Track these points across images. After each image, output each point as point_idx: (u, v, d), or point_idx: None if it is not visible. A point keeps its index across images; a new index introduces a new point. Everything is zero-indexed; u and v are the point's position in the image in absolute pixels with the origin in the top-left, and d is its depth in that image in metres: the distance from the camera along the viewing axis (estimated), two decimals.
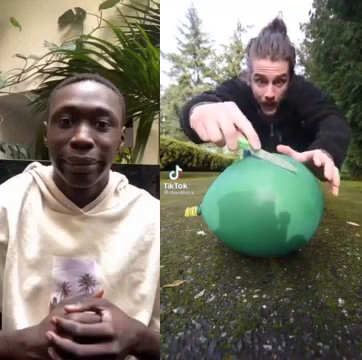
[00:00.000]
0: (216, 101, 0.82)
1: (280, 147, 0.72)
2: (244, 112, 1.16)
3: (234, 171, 0.75)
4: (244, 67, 1.23)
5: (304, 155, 0.73)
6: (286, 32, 1.07)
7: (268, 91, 1.07)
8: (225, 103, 0.68)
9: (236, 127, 0.62)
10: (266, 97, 1.09)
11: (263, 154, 0.66)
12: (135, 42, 1.52)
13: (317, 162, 0.70)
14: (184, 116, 0.87)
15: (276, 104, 1.13)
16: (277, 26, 1.06)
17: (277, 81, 1.06)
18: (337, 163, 0.80)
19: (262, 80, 1.07)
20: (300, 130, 1.31)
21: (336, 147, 0.85)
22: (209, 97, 0.85)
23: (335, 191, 0.70)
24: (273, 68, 1.03)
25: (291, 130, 1.30)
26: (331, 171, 0.69)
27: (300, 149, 0.77)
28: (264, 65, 1.03)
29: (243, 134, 0.63)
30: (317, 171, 0.73)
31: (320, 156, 0.71)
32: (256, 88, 1.11)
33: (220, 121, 0.62)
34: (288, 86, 1.11)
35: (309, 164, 0.73)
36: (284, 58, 1.02)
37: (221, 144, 0.63)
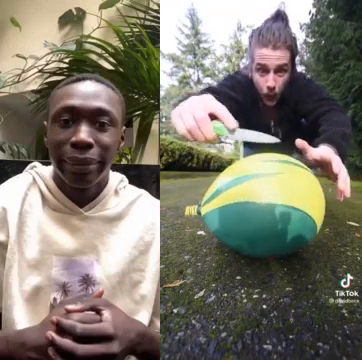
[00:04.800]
0: None
1: (298, 141, 0.71)
2: (247, 106, 1.16)
3: (234, 169, 0.75)
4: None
5: (319, 155, 0.72)
6: (288, 22, 1.07)
7: (269, 80, 1.07)
8: (201, 96, 0.68)
9: (212, 117, 0.62)
10: (267, 87, 1.09)
11: (239, 133, 0.64)
12: (135, 42, 1.52)
13: (336, 170, 0.69)
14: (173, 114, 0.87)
15: (277, 95, 1.13)
16: (279, 16, 1.06)
17: (278, 70, 1.06)
18: (342, 158, 0.80)
19: (263, 69, 1.07)
20: (299, 127, 1.32)
21: (342, 143, 0.85)
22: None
23: (341, 198, 0.70)
24: (274, 56, 1.03)
25: (291, 127, 1.30)
26: (345, 181, 0.69)
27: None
28: (265, 53, 1.03)
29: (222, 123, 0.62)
30: (328, 172, 0.73)
31: (339, 164, 0.71)
32: (257, 78, 1.11)
33: (194, 112, 0.62)
34: (289, 77, 1.11)
35: (319, 162, 0.73)
36: (285, 46, 1.02)
37: (196, 133, 0.62)
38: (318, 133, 0.96)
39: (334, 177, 0.70)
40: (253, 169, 0.65)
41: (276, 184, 0.64)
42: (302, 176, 0.69)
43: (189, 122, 0.62)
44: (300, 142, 0.71)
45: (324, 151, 0.75)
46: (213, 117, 0.63)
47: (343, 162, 0.78)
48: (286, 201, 0.63)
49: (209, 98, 0.66)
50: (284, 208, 0.62)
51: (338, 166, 0.70)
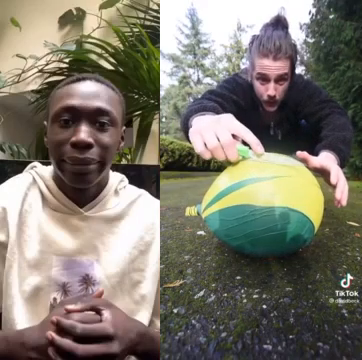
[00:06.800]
0: (216, 110, 0.83)
1: (299, 153, 0.73)
2: (246, 110, 1.17)
3: (232, 168, 0.76)
4: (244, 67, 1.23)
5: (319, 164, 0.74)
6: (288, 29, 1.06)
7: (270, 89, 1.08)
8: (222, 115, 0.68)
9: (234, 138, 0.62)
10: (268, 95, 1.09)
11: (265, 157, 0.65)
12: (135, 42, 1.52)
13: (333, 181, 0.72)
14: (184, 125, 0.87)
15: (277, 102, 1.14)
16: (279, 23, 1.05)
17: (279, 79, 1.07)
18: (343, 163, 0.83)
19: (264, 78, 1.07)
20: (299, 128, 1.32)
21: (343, 148, 0.87)
22: (208, 106, 0.84)
23: (338, 206, 0.73)
24: (275, 67, 1.03)
25: (290, 128, 1.30)
26: (342, 191, 0.72)
27: (299, 147, 0.77)
28: (266, 64, 1.03)
29: (244, 143, 0.63)
30: (326, 179, 0.75)
31: (337, 174, 0.73)
32: (258, 86, 1.11)
33: (217, 132, 0.61)
34: (289, 84, 1.11)
35: (319, 171, 0.75)
36: (286, 57, 1.02)
37: (219, 154, 0.62)
38: (319, 138, 0.97)
39: (332, 186, 0.73)
40: (253, 173, 0.66)
41: (275, 187, 0.65)
42: (300, 177, 0.69)
43: (212, 142, 0.61)
44: (300, 153, 0.73)
45: (324, 160, 0.77)
46: (234, 138, 0.63)
47: (344, 166, 0.80)
48: (284, 203, 0.64)
49: (231, 119, 0.65)
50: (282, 210, 0.64)
51: (336, 176, 0.73)
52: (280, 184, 0.66)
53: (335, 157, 0.82)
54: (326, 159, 0.79)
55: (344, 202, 0.72)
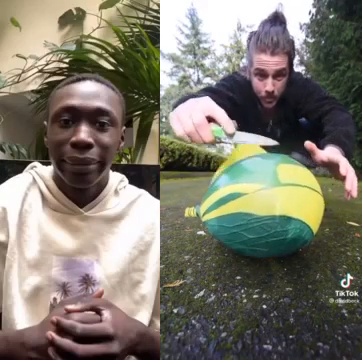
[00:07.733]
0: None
1: (307, 143, 0.72)
2: (244, 107, 1.16)
3: (232, 171, 0.76)
4: (243, 65, 1.23)
5: (326, 157, 0.73)
6: (286, 25, 1.06)
7: (268, 85, 1.08)
8: (200, 98, 0.68)
9: (210, 120, 0.62)
10: (266, 91, 1.09)
11: (238, 136, 0.64)
12: (135, 42, 1.52)
13: (343, 171, 0.71)
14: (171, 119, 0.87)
15: (276, 98, 1.14)
16: (277, 19, 1.05)
17: (277, 75, 1.07)
18: (348, 157, 0.82)
19: (262, 74, 1.07)
20: (298, 126, 1.32)
21: (347, 142, 0.87)
22: (194, 95, 0.83)
23: (348, 198, 0.71)
24: (273, 62, 1.03)
25: (289, 126, 1.30)
26: (352, 182, 0.71)
27: (297, 146, 0.77)
28: (264, 59, 1.03)
29: (218, 124, 0.63)
30: (335, 173, 0.74)
31: (346, 166, 0.72)
32: (256, 82, 1.11)
33: (191, 114, 0.62)
34: (287, 80, 1.11)
35: (327, 164, 0.74)
36: (284, 52, 1.02)
37: (195, 137, 0.62)
38: (322, 134, 0.97)
39: (342, 178, 0.72)
40: None
41: (273, 196, 0.66)
42: (300, 184, 0.69)
43: (188, 126, 0.62)
44: (309, 144, 0.72)
45: (331, 153, 0.76)
46: (211, 119, 0.63)
47: (349, 160, 0.79)
48: (283, 212, 0.64)
49: (207, 100, 0.66)
50: (281, 218, 0.64)
51: (345, 168, 0.72)
52: (279, 192, 0.66)
53: (340, 151, 0.82)
54: (333, 152, 0.78)
55: (355, 193, 0.70)
